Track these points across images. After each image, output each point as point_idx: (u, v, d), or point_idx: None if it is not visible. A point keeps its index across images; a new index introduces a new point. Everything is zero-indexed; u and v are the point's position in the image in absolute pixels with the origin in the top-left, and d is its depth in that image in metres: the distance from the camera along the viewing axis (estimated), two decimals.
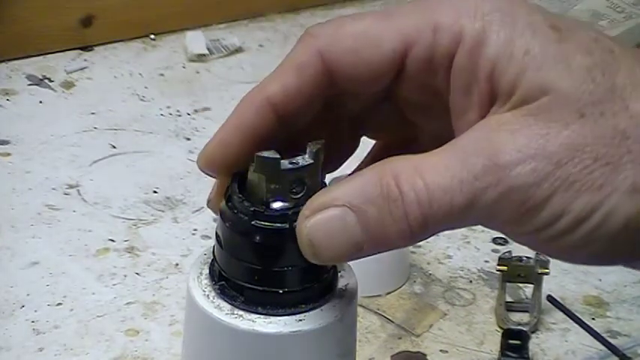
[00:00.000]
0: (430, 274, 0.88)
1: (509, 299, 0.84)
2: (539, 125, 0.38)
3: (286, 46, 1.23)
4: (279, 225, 0.41)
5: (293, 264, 0.42)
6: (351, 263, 0.45)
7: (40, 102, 1.10)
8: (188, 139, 1.05)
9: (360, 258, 0.41)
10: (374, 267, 0.81)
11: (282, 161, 0.41)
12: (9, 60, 1.15)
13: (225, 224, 0.42)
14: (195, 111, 1.11)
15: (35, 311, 0.81)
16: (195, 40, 1.21)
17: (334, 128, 0.45)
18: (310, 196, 0.41)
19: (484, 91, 0.40)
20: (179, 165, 1.00)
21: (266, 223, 0.42)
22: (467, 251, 0.91)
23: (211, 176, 0.44)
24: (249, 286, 0.42)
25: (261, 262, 0.42)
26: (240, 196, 0.42)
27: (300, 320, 0.42)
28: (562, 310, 0.83)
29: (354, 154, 0.47)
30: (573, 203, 0.38)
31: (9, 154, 1.01)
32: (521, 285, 0.85)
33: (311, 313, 0.43)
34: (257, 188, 0.42)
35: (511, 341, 0.77)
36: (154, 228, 0.91)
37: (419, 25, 0.41)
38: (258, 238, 0.42)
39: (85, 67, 1.17)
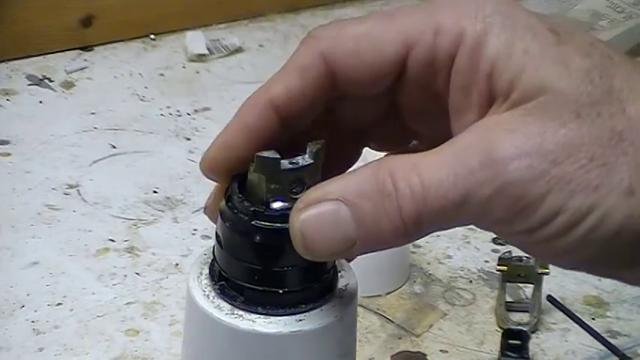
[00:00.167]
0: (430, 274, 0.88)
1: (509, 299, 0.84)
2: (536, 124, 0.38)
3: (286, 46, 1.23)
4: (279, 225, 0.41)
5: (293, 264, 0.42)
6: (351, 263, 0.45)
7: (40, 102, 1.10)
8: (188, 139, 1.05)
9: (354, 255, 0.41)
10: (374, 267, 0.81)
11: (282, 161, 0.41)
12: (9, 60, 1.15)
13: (225, 224, 0.43)
14: (196, 111, 1.10)
15: (35, 311, 0.81)
16: (195, 40, 1.21)
17: (335, 132, 0.45)
18: None
19: (483, 92, 0.40)
20: (179, 165, 1.00)
21: (266, 223, 0.42)
22: (467, 251, 0.90)
23: (214, 181, 0.44)
24: (249, 286, 0.42)
25: (261, 262, 0.42)
26: (240, 196, 0.42)
27: (300, 320, 0.42)
28: (562, 310, 0.83)
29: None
30: (569, 202, 0.38)
31: (9, 154, 1.00)
32: (521, 285, 0.85)
33: (311, 313, 0.43)
34: (257, 188, 0.42)
35: (511, 341, 0.77)
36: (153, 228, 0.91)
37: (420, 27, 0.41)
38: (258, 238, 0.42)
39: (85, 67, 1.17)
